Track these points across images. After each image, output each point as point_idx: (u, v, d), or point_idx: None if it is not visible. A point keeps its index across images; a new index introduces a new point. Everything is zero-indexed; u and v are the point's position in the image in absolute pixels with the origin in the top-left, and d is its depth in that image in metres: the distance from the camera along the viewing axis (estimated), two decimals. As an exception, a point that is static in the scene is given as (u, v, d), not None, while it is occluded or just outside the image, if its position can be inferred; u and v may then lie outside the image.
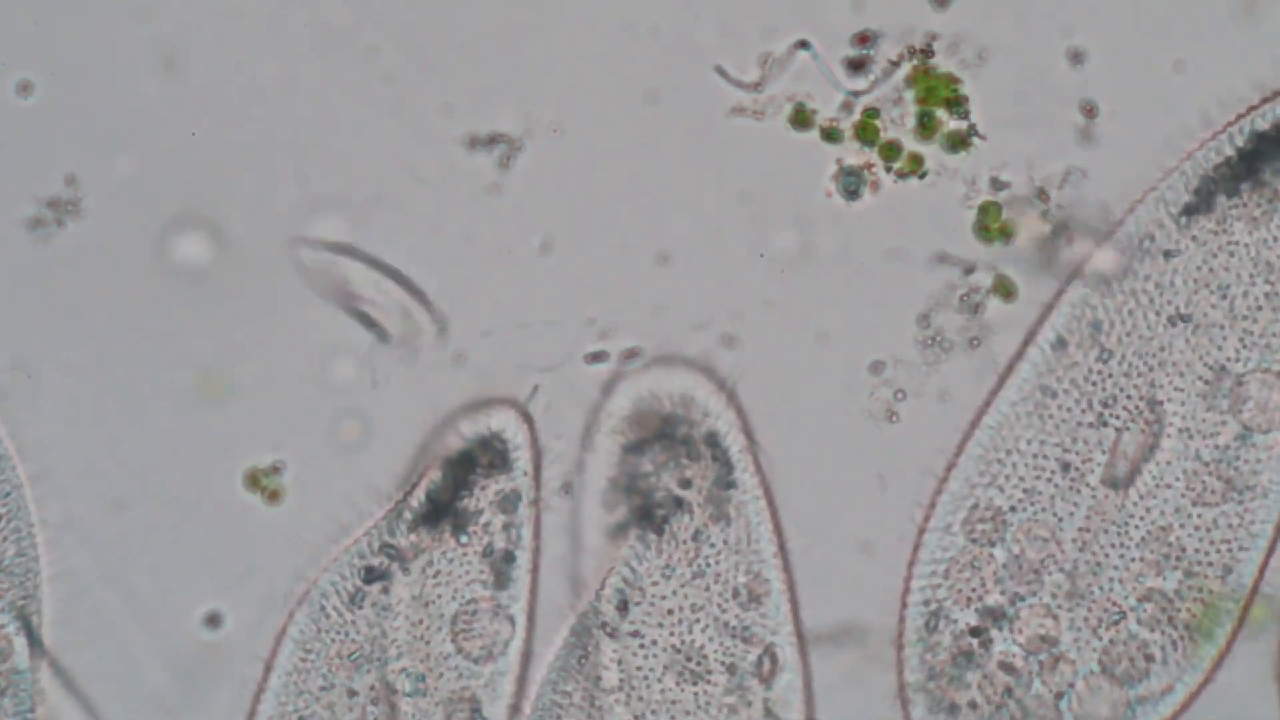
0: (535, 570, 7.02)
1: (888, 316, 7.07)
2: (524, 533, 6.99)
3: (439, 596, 6.98)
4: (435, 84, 7.14)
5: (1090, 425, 6.85)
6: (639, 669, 6.96)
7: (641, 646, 6.97)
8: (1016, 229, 6.46)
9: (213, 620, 7.08)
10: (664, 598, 6.97)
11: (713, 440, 6.99)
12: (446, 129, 7.13)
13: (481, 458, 6.99)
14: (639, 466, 6.99)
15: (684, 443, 6.99)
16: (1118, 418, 6.86)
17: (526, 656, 7.03)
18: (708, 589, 6.97)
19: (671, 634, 6.97)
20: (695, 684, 6.97)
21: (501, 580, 6.98)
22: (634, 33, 7.12)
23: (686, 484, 6.98)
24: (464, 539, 6.97)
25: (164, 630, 7.10)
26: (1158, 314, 6.86)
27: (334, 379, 7.10)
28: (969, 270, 7.05)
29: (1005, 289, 7.05)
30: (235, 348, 7.12)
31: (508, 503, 7.00)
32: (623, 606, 6.96)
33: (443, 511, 6.98)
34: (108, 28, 7.15)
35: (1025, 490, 6.87)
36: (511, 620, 6.98)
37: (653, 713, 6.96)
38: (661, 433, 7.00)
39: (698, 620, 6.97)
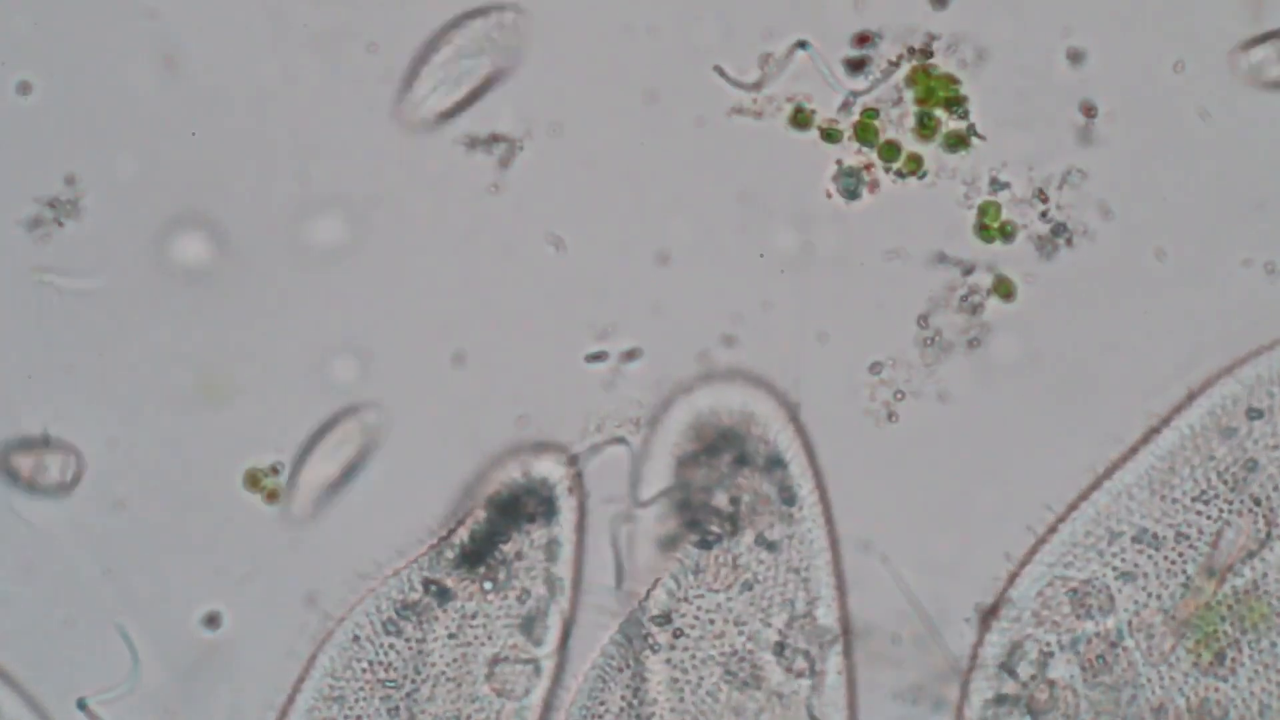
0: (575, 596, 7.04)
1: (887, 317, 7.07)
2: (565, 582, 7.00)
3: (475, 639, 6.98)
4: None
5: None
6: (675, 679, 6.96)
7: (684, 664, 6.96)
8: None
9: (212, 620, 7.08)
10: (710, 610, 6.97)
11: (775, 459, 6.98)
12: (446, 129, 7.12)
13: (527, 504, 6.98)
14: (693, 480, 6.98)
15: (741, 459, 6.97)
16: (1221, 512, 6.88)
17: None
18: (753, 604, 6.96)
19: (713, 645, 6.96)
20: (742, 690, 6.97)
21: (532, 631, 6.99)
22: (633, 32, 7.12)
23: (739, 501, 6.97)
24: (488, 586, 6.97)
25: (163, 630, 7.10)
26: None
27: (334, 379, 7.10)
28: (968, 270, 7.05)
29: (1005, 289, 7.04)
30: (235, 348, 7.12)
31: (551, 548, 7.02)
32: (665, 619, 6.95)
33: (483, 554, 6.98)
34: (107, 27, 7.15)
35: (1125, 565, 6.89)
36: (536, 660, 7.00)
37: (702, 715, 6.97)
38: (719, 447, 6.99)
39: (741, 633, 6.96)
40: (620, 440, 6.99)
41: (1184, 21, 7.08)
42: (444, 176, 7.13)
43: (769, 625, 6.97)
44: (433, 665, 6.99)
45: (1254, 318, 7.01)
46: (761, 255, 7.08)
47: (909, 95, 7.06)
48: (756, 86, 7.08)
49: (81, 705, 7.02)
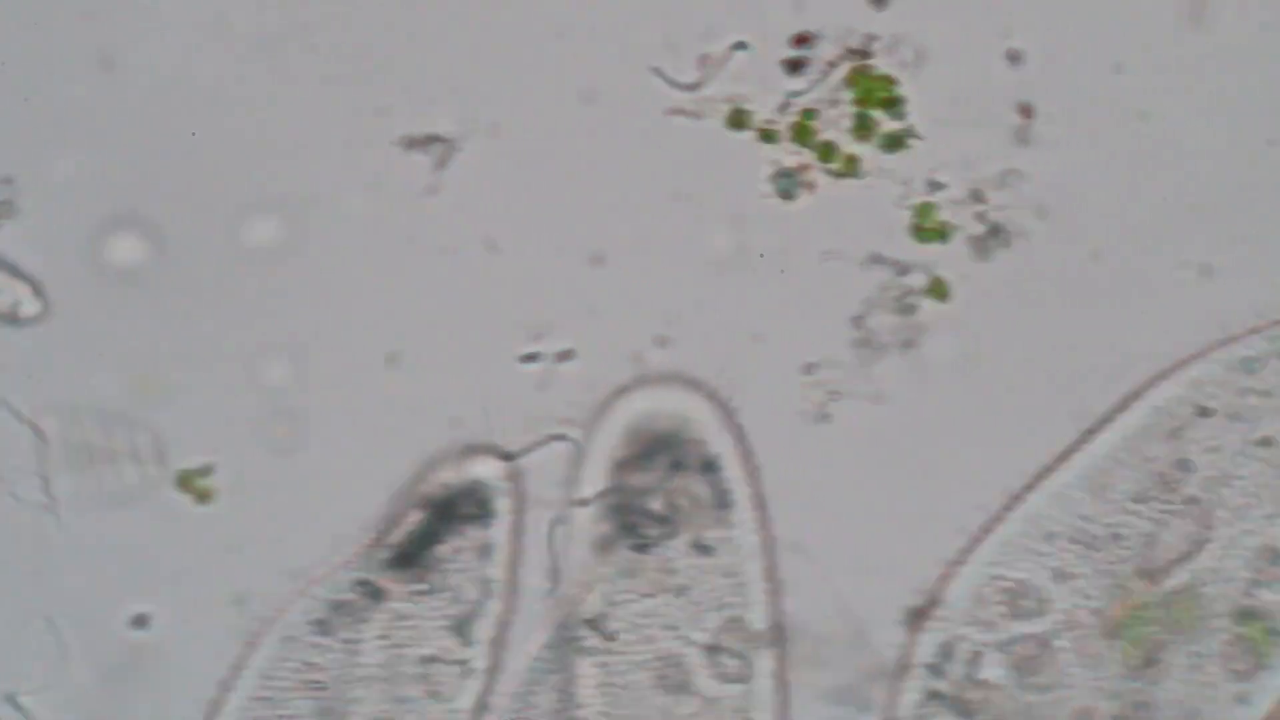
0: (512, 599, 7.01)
1: (822, 317, 7.04)
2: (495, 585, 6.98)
3: (406, 640, 6.95)
4: (372, 85, 7.13)
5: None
6: (606, 684, 6.93)
7: (615, 668, 6.93)
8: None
9: (139, 621, 7.05)
10: (643, 615, 6.94)
11: (709, 464, 6.95)
12: (383, 129, 7.11)
13: (462, 506, 6.96)
14: (629, 484, 6.95)
15: (676, 464, 6.94)
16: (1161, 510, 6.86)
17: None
18: (685, 608, 6.93)
19: (645, 650, 6.93)
20: (674, 695, 6.94)
21: (464, 633, 6.96)
22: (572, 33, 7.10)
23: (676, 507, 6.93)
24: (421, 587, 6.94)
25: (90, 630, 7.07)
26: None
27: (267, 380, 7.08)
28: (903, 271, 7.02)
29: (939, 290, 7.02)
30: (169, 348, 7.10)
31: (484, 552, 6.98)
32: (599, 623, 6.92)
33: (416, 556, 6.95)
34: (44, 27, 7.14)
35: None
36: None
37: None
38: (654, 452, 6.96)
39: (673, 638, 6.93)
40: (562, 437, 6.96)
41: (1124, 23, 7.07)
42: (380, 177, 7.12)
43: (702, 630, 6.93)
44: (363, 666, 6.96)
45: (1189, 320, 6.99)
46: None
47: (847, 96, 7.04)
48: (694, 87, 7.06)
49: (13, 701, 6.99)
